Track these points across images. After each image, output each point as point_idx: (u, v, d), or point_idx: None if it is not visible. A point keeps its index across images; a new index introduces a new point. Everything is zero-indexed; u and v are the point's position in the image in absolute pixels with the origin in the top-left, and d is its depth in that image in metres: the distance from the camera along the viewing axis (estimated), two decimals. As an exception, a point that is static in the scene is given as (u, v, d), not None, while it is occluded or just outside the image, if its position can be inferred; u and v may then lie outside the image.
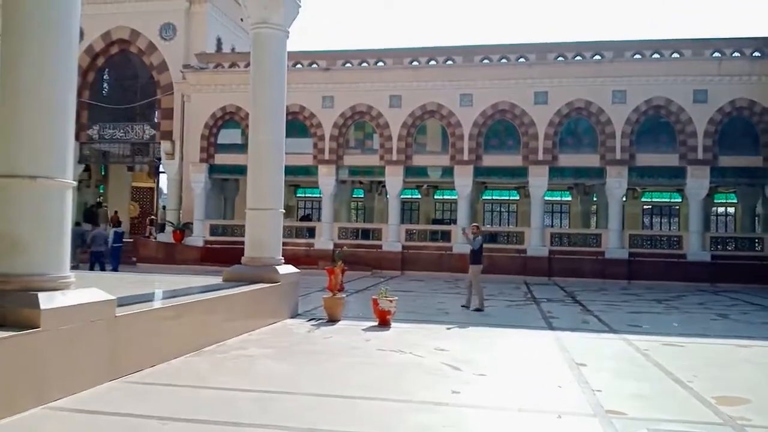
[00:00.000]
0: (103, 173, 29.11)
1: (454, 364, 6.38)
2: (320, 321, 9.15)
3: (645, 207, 28.50)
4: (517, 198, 28.54)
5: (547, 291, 16.07)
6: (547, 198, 22.64)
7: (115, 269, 18.47)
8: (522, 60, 20.89)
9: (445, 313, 11.14)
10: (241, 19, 23.99)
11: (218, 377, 5.63)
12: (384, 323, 8.84)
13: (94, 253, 17.65)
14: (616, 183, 20.02)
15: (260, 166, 9.48)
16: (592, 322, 10.40)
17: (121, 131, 25.34)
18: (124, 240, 20.59)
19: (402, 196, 23.36)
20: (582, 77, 20.30)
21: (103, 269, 17.46)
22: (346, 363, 6.43)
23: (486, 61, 21.28)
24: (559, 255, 20.34)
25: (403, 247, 21.33)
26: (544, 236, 20.81)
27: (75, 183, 5.12)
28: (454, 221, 22.92)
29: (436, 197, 29.44)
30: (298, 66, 22.18)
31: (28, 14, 4.77)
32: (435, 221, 27.34)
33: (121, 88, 25.41)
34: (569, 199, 28.32)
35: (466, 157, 21.02)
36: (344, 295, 9.75)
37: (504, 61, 21.11)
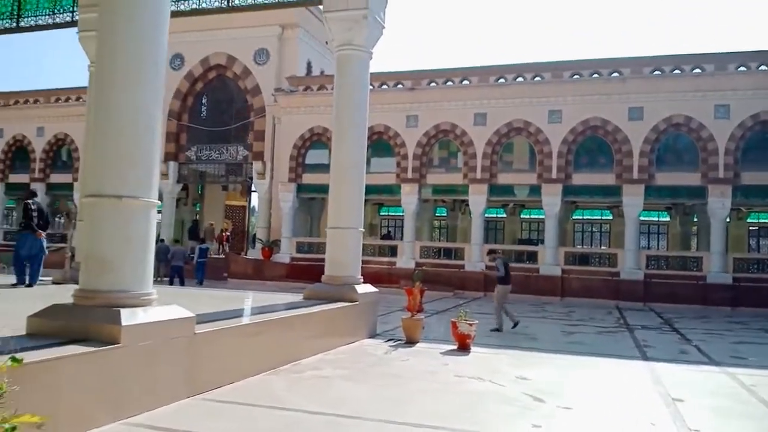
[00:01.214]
0: (199, 192, 30.59)
1: (536, 394, 6.02)
2: (398, 342, 9.00)
3: (751, 228, 26.36)
4: (610, 218, 27.27)
5: (642, 317, 15.10)
6: (642, 218, 21.47)
7: (200, 282, 19.46)
8: (615, 74, 20.03)
9: (531, 339, 10.67)
10: (326, 42, 24.65)
11: (293, 398, 5.59)
12: (464, 347, 8.55)
13: (174, 267, 18.52)
14: (719, 203, 18.64)
15: (341, 186, 9.53)
16: (692, 353, 9.61)
17: (217, 152, 26.54)
18: (209, 256, 21.47)
19: (486, 215, 22.91)
20: (680, 91, 19.18)
21: (182, 284, 18.21)
22: (422, 388, 6.22)
23: (576, 76, 20.58)
24: (655, 279, 19.12)
25: (487, 268, 20.78)
26: (639, 258, 19.66)
27: (158, 203, 5.27)
28: (542, 241, 22.16)
29: (522, 216, 28.68)
30: (384, 87, 22.43)
31: (118, 44, 5.01)
32: (521, 241, 26.59)
33: (218, 111, 26.71)
34: (667, 219, 26.72)
35: (554, 175, 20.33)
36: (423, 317, 9.56)
37: (596, 76, 20.34)
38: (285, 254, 22.97)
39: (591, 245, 27.43)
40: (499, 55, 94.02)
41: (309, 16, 24.78)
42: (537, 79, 21.11)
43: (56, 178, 27.55)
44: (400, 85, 22.45)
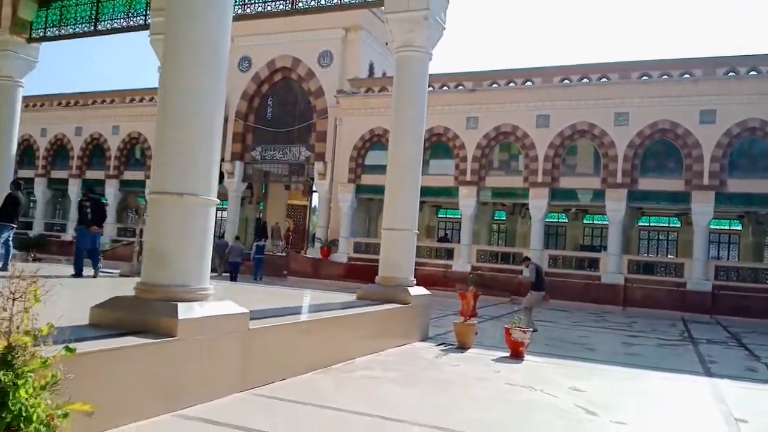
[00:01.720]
0: (263, 191, 31.37)
1: (590, 407, 5.84)
2: (450, 347, 8.93)
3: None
4: (678, 225, 26.12)
5: (708, 330, 14.41)
6: (712, 227, 20.49)
7: (257, 278, 20.22)
8: (686, 76, 19.21)
9: (587, 349, 10.37)
10: (386, 44, 24.76)
11: (341, 397, 5.64)
12: (517, 355, 8.40)
13: (231, 263, 19.11)
14: (799, 212, 17.57)
15: (397, 187, 9.55)
16: (760, 370, 9.09)
17: (280, 152, 27.16)
18: (266, 253, 22.27)
19: (547, 220, 22.46)
20: (757, 94, 18.23)
21: (235, 279, 18.73)
22: (471, 395, 6.15)
23: (645, 77, 19.86)
24: (724, 291, 18.23)
25: (546, 274, 20.32)
26: (708, 269, 18.79)
27: (218, 201, 5.43)
28: (605, 248, 21.51)
29: (584, 222, 27.90)
30: (444, 88, 22.34)
31: (181, 48, 5.19)
32: (583, 247, 25.86)
33: (282, 112, 27.33)
34: (739, 228, 25.37)
35: (619, 179, 19.69)
36: (476, 322, 9.45)
37: (665, 77, 19.56)
38: (343, 254, 23.24)
39: (657, 254, 26.33)
40: (564, 55, 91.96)
41: (372, 18, 24.96)
42: (603, 80, 20.53)
43: (129, 175, 28.87)
44: (460, 87, 22.30)
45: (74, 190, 29.41)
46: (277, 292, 11.03)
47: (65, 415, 2.57)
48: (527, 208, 22.44)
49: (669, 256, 25.79)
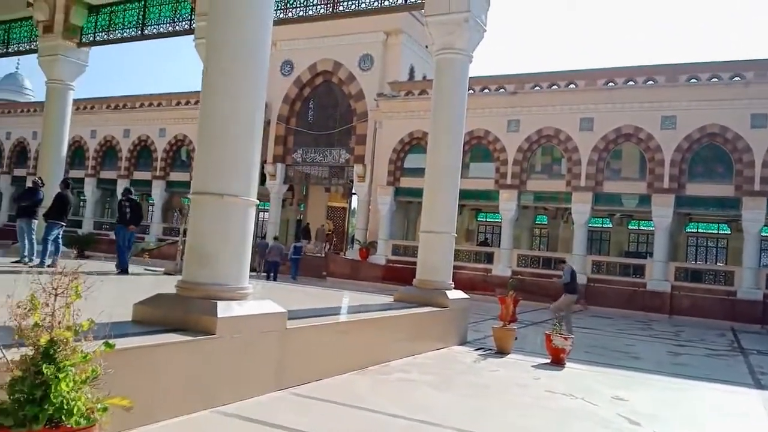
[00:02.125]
0: (304, 193, 31.69)
1: (632, 417, 5.66)
2: (488, 352, 8.81)
3: None
4: (728, 232, 25.21)
5: (759, 341, 13.86)
6: (764, 234, 19.69)
7: (294, 277, 20.64)
8: (737, 79, 18.54)
9: (633, 358, 10.09)
10: (426, 46, 24.69)
11: (377, 399, 5.61)
12: (557, 362, 8.22)
13: (270, 263, 19.37)
14: None
15: (435, 190, 9.49)
16: (818, 385, 8.65)
17: (321, 155, 27.39)
18: (302, 254, 22.74)
19: (590, 225, 21.99)
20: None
21: (275, 278, 19.06)
22: (509, 401, 6.04)
23: (693, 80, 19.26)
24: (777, 300, 17.48)
25: (589, 280, 19.95)
26: (759, 277, 18.08)
27: (257, 202, 5.48)
28: (651, 254, 20.92)
29: (629, 228, 27.19)
30: (485, 91, 22.15)
31: (222, 53, 5.27)
32: (628, 254, 25.20)
33: (323, 115, 27.56)
34: (794, 235, 24.29)
35: (666, 184, 19.14)
36: (516, 327, 9.30)
37: (714, 80, 18.93)
38: (381, 256, 23.26)
39: (705, 261, 25.45)
40: (608, 58, 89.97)
41: (413, 22, 24.95)
42: (649, 83, 19.98)
43: (175, 176, 29.55)
44: (501, 89, 22.06)
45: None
46: (315, 292, 11.10)
47: (105, 409, 2.61)
48: (570, 213, 22.03)
49: (718, 263, 24.91)
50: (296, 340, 5.69)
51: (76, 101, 30.96)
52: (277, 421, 4.61)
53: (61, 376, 2.43)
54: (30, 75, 44.23)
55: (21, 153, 33.93)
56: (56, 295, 2.58)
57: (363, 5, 10.79)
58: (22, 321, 2.51)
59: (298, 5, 11.41)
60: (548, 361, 8.31)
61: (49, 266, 10.20)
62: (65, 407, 2.46)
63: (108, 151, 31.40)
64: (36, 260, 10.21)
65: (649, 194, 19.50)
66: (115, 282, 9.99)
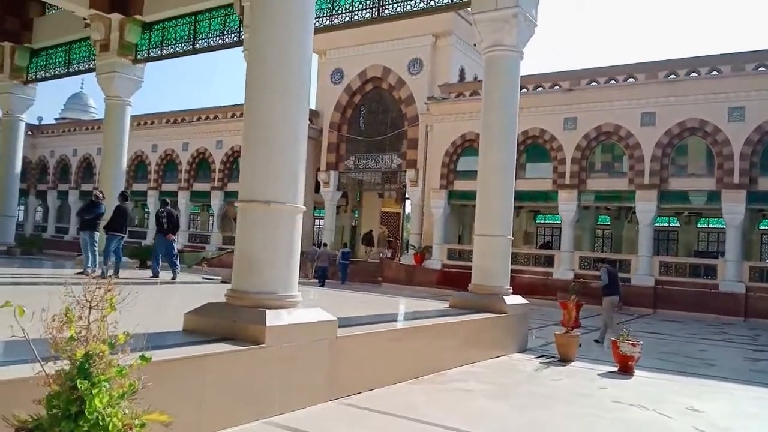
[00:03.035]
0: (357, 199, 31.75)
1: (709, 430, 5.22)
2: (551, 359, 8.42)
3: None
4: (807, 229, 23.65)
5: None
6: None
7: (342, 282, 20.96)
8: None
9: (707, 365, 9.45)
10: (474, 45, 24.28)
11: (432, 410, 5.39)
12: (625, 370, 7.76)
13: (319, 268, 19.48)
14: None
15: (488, 191, 9.18)
16: None
17: (373, 161, 27.36)
18: (350, 259, 22.98)
19: (656, 224, 21.02)
20: None
21: (323, 284, 19.12)
22: (573, 413, 5.69)
23: (762, 69, 18.14)
24: None
25: (657, 282, 19.03)
26: None
27: (304, 208, 5.38)
28: (722, 254, 19.81)
29: (699, 226, 25.90)
30: (539, 89, 21.58)
31: (265, 62, 5.21)
32: (697, 254, 23.98)
33: (374, 121, 27.55)
34: None
35: (736, 179, 18.07)
36: (579, 333, 8.87)
37: (787, 67, 17.78)
38: (436, 260, 22.95)
39: (782, 260, 23.92)
40: (668, 49, 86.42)
41: (461, 22, 24.62)
42: (714, 73, 18.94)
43: (232, 186, 30.12)
44: (556, 87, 21.42)
45: (183, 201, 31.15)
46: (366, 298, 10.96)
47: (142, 425, 2.51)
48: (633, 212, 21.11)
49: (797, 262, 23.38)
50: (347, 349, 5.54)
51: (137, 117, 32.43)
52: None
53: (95, 391, 2.34)
54: (93, 94, 46.23)
55: (87, 169, 35.42)
56: (90, 307, 2.51)
57: (409, 7, 10.62)
58: (58, 334, 2.44)
59: (343, 11, 11.35)
60: (615, 369, 7.87)
61: (110, 277, 10.47)
62: (100, 423, 2.37)
63: (168, 164, 32.37)
64: (98, 272, 10.48)
65: (719, 190, 18.45)
66: (172, 290, 10.16)
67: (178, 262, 11.53)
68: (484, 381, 6.75)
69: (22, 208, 39.54)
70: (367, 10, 11.14)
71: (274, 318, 4.79)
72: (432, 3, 10.45)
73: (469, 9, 9.81)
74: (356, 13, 11.27)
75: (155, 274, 11.32)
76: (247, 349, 4.52)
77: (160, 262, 11.52)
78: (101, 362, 2.46)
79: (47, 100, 69.43)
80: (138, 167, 33.52)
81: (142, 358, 2.59)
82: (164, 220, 11.38)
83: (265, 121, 5.14)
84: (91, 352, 2.45)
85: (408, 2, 10.68)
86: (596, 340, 10.75)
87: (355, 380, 5.64)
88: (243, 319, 4.80)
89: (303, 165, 5.42)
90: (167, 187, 32.18)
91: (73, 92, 44.36)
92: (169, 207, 11.87)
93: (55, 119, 42.44)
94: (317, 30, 12.00)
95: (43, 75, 16.21)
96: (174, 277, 11.21)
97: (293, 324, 4.95)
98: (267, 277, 5.05)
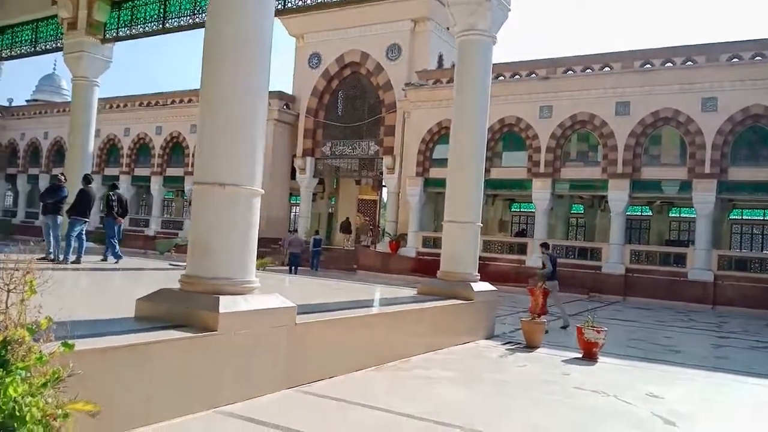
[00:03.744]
0: (334, 186, 31.56)
1: (668, 417, 5.24)
2: (517, 346, 8.43)
3: None
4: (775, 219, 24.06)
5: (813, 334, 13.04)
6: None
7: (314, 269, 20.96)
8: (784, 55, 17.54)
9: (672, 352, 9.55)
10: (447, 28, 24.13)
11: (392, 398, 5.32)
12: (589, 356, 7.79)
13: (292, 254, 19.37)
14: None
15: (458, 178, 9.11)
16: None
17: (350, 148, 27.18)
18: (321, 246, 22.82)
19: (628, 213, 21.25)
20: None
21: (295, 272, 18.98)
22: (535, 399, 5.68)
23: (735, 60, 18.30)
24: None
25: (627, 270, 19.25)
26: (811, 265, 17.07)
27: (262, 191, 5.22)
28: (693, 242, 20.07)
29: (671, 215, 26.21)
30: (516, 77, 21.55)
31: (218, 35, 5.03)
32: (669, 242, 24.32)
33: (352, 107, 27.32)
34: None
35: (708, 169, 18.29)
36: (545, 320, 8.89)
37: (758, 59, 17.95)
38: (411, 248, 22.94)
39: (750, 249, 24.34)
40: (643, 39, 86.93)
41: (439, 8, 24.40)
42: (689, 63, 19.08)
43: (206, 171, 29.70)
44: (533, 75, 21.42)
45: (156, 187, 30.66)
46: (336, 285, 10.86)
47: (65, 416, 2.38)
48: (607, 201, 21.28)
49: (765, 251, 23.80)
50: (307, 336, 5.44)
51: (109, 99, 31.75)
52: (283, 422, 4.37)
53: (8, 380, 2.21)
54: (66, 75, 45.11)
55: (58, 152, 34.63)
56: (9, 291, 2.37)
57: (382, -11, 10.44)
58: (-27, 320, 2.31)
59: (315, -8, 11.14)
60: (580, 355, 7.90)
61: (72, 262, 10.23)
62: (17, 413, 2.24)
63: (141, 148, 31.81)
64: (60, 257, 10.23)
65: (690, 180, 18.66)
66: (134, 276, 9.95)
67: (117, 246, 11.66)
68: (448, 368, 6.71)
69: (-10, 192, 38.68)
70: (340, -9, 10.94)
71: (228, 304, 4.66)
72: (405, -14, 10.26)
73: (443, -7, 9.66)
74: (329, -7, 11.07)
75: (106, 257, 11.37)
76: (198, 336, 4.38)
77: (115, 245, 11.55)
78: (20, 349, 2.33)
79: (19, 81, 67.71)
80: (110, 151, 32.90)
81: (65, 344, 2.46)
82: (114, 204, 11.43)
83: (221, 99, 4.97)
84: (8, 338, 2.32)
85: (380, -16, 10.49)
86: (562, 327, 10.82)
87: (315, 368, 5.55)
88: (196, 305, 4.66)
89: (261, 147, 5.27)
90: (140, 171, 31.67)
91: (45, 74, 43.29)
92: (119, 191, 12.02)
93: (27, 101, 41.39)
94: (290, 11, 11.86)
95: (8, 54, 15.69)
96: (105, 259, 11.29)
97: (249, 311, 4.83)
98: (222, 262, 4.91)
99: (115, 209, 11.39)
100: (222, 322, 4.53)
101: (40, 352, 2.39)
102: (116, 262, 11.14)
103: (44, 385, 2.39)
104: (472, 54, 9.22)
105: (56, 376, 2.42)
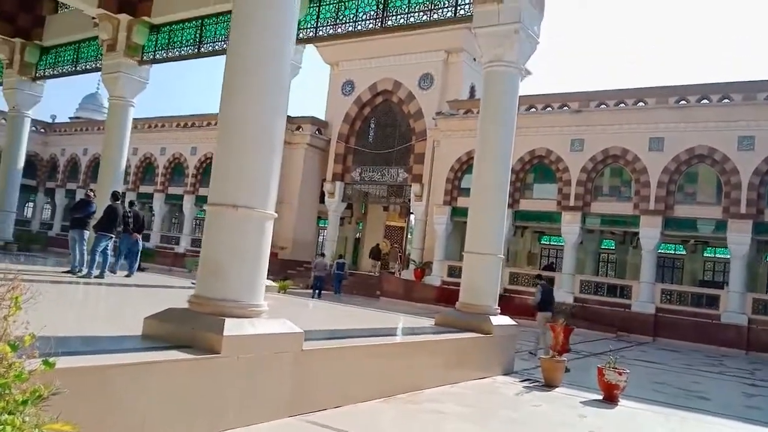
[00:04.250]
0: (362, 211, 31.62)
1: (688, 468, 4.96)
2: (535, 384, 8.17)
3: None
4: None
5: None
6: None
7: (336, 293, 20.97)
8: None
9: (699, 398, 9.14)
10: (474, 59, 24.19)
11: (398, 431, 5.18)
12: (610, 398, 7.49)
13: (317, 277, 19.35)
14: None
15: (480, 208, 8.99)
16: None
17: (379, 174, 27.28)
18: (344, 270, 23.01)
19: (660, 251, 20.71)
20: None
21: (320, 295, 19.19)
22: (546, 441, 5.45)
23: (775, 97, 17.87)
24: None
25: (657, 310, 18.67)
26: None
27: (275, 215, 5.21)
28: (727, 284, 19.41)
29: (705, 255, 25.46)
30: (548, 109, 21.42)
31: (241, 58, 5.09)
32: (702, 283, 23.55)
33: (382, 134, 27.51)
34: None
35: (743, 209, 17.77)
36: (566, 359, 8.61)
37: (799, 97, 17.50)
38: (436, 277, 22.71)
39: (789, 293, 23.34)
40: (679, 75, 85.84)
41: (473, 39, 24.41)
42: (725, 101, 18.69)
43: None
44: (565, 107, 21.24)
45: (188, 206, 31.15)
46: (353, 311, 10.75)
47: (42, 437, 2.33)
48: (638, 238, 20.78)
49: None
50: (313, 363, 5.34)
51: (149, 119, 32.59)
52: (280, 451, 4.27)
53: (-18, 397, 2.17)
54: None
55: (96, 168, 35.44)
56: (-7, 306, 2.35)
57: (412, 19, 10.53)
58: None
59: (347, 21, 11.28)
60: (600, 397, 7.60)
61: (96, 277, 10.36)
62: (-9, 433, 2.20)
63: (176, 168, 32.45)
64: (84, 271, 10.38)
65: (725, 219, 18.13)
66: (152, 293, 10.01)
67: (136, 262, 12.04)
68: (461, 403, 6.52)
69: (31, 205, 39.86)
70: (371, 21, 11.06)
71: (233, 327, 4.61)
72: (435, 16, 10.36)
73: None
74: (360, 23, 11.20)
75: (131, 272, 11.74)
76: (200, 358, 4.33)
77: (137, 261, 11.97)
78: (1, 365, 2.30)
79: (64, 99, 70.22)
80: (146, 169, 33.65)
81: (45, 363, 2.42)
82: (130, 220, 11.69)
83: (236, 121, 5.00)
84: (-12, 354, 2.29)
85: (411, 14, 10.59)
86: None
87: (321, 396, 5.43)
88: (201, 326, 4.62)
89: (276, 170, 5.26)
90: (173, 190, 32.24)
91: (89, 92, 44.81)
92: (135, 207, 12.38)
93: (70, 118, 42.82)
94: (322, 39, 12.04)
95: (51, 72, 16.27)
96: (131, 273, 11.69)
97: (254, 335, 4.76)
98: (231, 284, 4.88)
99: (131, 225, 11.63)
100: (226, 344, 4.47)
101: (21, 368, 2.36)
102: (127, 275, 11.57)
103: (24, 402, 2.35)
104: (498, 84, 9.18)
105: (37, 394, 2.37)
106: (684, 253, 25.62)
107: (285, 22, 5.29)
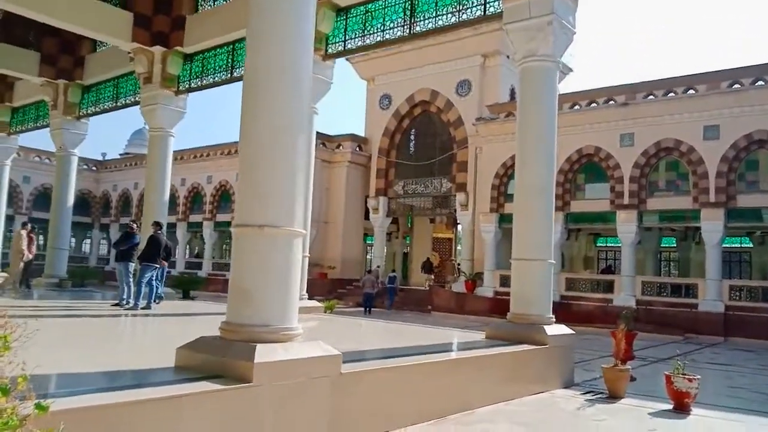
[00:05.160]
0: (409, 225, 31.27)
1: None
2: (598, 396, 7.60)
3: None
4: None
5: None
6: None
7: (389, 308, 21.04)
8: None
9: (782, 401, 8.34)
10: (507, 57, 23.62)
11: (449, 457, 4.80)
12: (681, 408, 6.87)
13: (366, 294, 19.09)
14: None
15: (525, 212, 8.53)
16: None
17: (422, 186, 26.96)
18: (396, 284, 23.18)
19: (725, 245, 19.52)
20: None
21: (370, 312, 18.95)
22: (614, 460, 4.96)
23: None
24: None
25: (727, 308, 17.55)
26: None
27: (304, 232, 4.98)
28: (801, 276, 18.11)
29: (775, 246, 23.96)
30: (593, 105, 20.67)
31: (259, 72, 4.92)
32: (774, 276, 22.13)
33: (423, 145, 27.23)
34: None
35: (814, 195, 16.53)
36: (630, 367, 8.01)
37: None
38: (488, 288, 22.09)
39: None
40: (728, 58, 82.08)
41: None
42: (785, 80, 17.57)
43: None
44: (611, 102, 20.43)
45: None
46: (400, 328, 10.40)
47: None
48: (701, 233, 19.68)
49: None
50: (354, 387, 5.04)
51: (195, 150, 33.28)
52: (322, 484, 3.96)
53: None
54: (158, 130, 48.05)
55: (148, 202, 36.57)
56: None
57: (440, 22, 10.24)
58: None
59: (375, 31, 11.09)
60: (670, 406, 6.99)
61: (143, 308, 10.38)
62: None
63: (223, 195, 32.96)
64: (131, 302, 10.42)
65: (794, 207, 16.95)
66: (189, 322, 9.91)
67: (161, 288, 11.71)
68: (517, 421, 6.07)
69: (88, 241, 41.25)
70: (398, 28, 10.84)
71: (264, 353, 4.37)
72: (464, 17, 10.03)
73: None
74: (387, 31, 10.99)
75: (154, 300, 11.17)
76: (231, 388, 4.10)
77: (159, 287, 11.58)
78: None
79: (114, 137, 72.95)
80: (194, 199, 34.30)
81: (39, 407, 2.20)
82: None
83: (257, 137, 4.82)
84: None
85: (439, 18, 10.31)
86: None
87: (363, 421, 5.12)
88: (233, 354, 4.40)
89: (302, 185, 5.04)
90: (221, 217, 32.71)
91: (137, 128, 46.31)
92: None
93: (120, 154, 44.27)
94: (351, 51, 11.87)
95: (93, 110, 16.71)
96: (148, 306, 10.86)
97: (287, 360, 4.51)
98: (260, 309, 4.65)
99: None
100: (257, 372, 4.23)
101: (12, 414, 2.14)
102: (157, 303, 11.22)
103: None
104: (534, 80, 8.74)
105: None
106: (751, 245, 24.17)
107: (298, 35, 5.07)
